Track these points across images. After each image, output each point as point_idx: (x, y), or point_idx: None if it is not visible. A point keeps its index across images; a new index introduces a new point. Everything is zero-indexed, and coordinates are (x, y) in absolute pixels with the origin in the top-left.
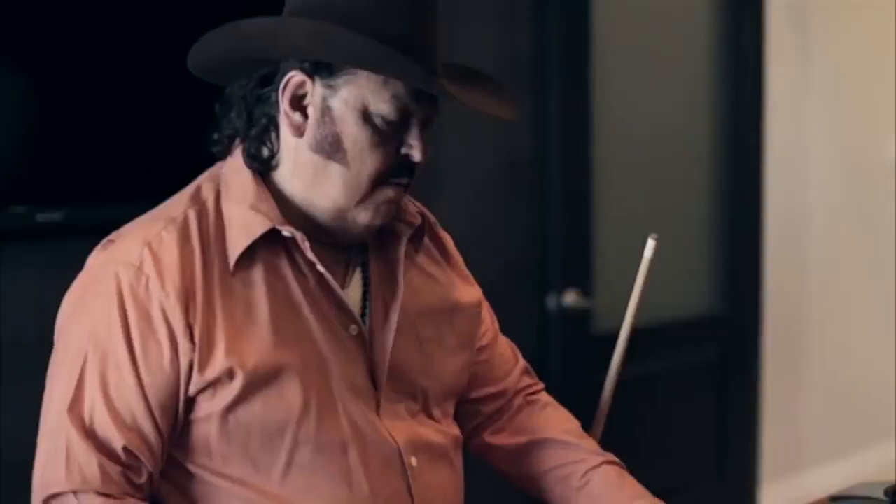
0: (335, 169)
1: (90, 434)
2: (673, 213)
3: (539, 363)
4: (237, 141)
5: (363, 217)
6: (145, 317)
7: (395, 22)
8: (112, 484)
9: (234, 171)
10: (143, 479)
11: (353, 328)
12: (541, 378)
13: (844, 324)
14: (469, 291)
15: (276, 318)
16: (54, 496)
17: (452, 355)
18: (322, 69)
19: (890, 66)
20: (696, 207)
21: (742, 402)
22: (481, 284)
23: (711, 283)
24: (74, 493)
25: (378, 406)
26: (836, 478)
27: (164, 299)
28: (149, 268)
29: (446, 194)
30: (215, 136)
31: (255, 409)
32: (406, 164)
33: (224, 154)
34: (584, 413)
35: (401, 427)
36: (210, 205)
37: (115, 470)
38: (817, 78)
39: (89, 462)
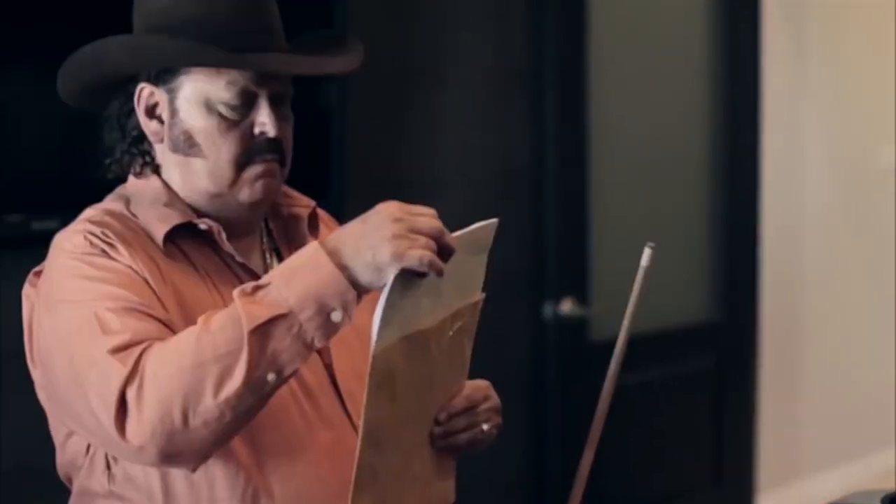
0: (197, 163)
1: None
2: (669, 221)
3: (535, 371)
4: (118, 160)
5: (243, 195)
6: (102, 255)
7: (212, 9)
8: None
9: (140, 183)
10: None
11: None
12: (537, 386)
13: (841, 331)
14: None
15: (218, 301)
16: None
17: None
18: (162, 75)
19: (886, 71)
20: (693, 215)
21: (739, 409)
22: None
23: (708, 290)
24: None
25: (329, 368)
26: (833, 486)
27: (118, 254)
28: (97, 241)
29: (442, 200)
30: (106, 161)
31: None
32: (266, 142)
33: (121, 175)
34: (580, 421)
35: (347, 385)
36: (124, 212)
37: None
38: (813, 84)
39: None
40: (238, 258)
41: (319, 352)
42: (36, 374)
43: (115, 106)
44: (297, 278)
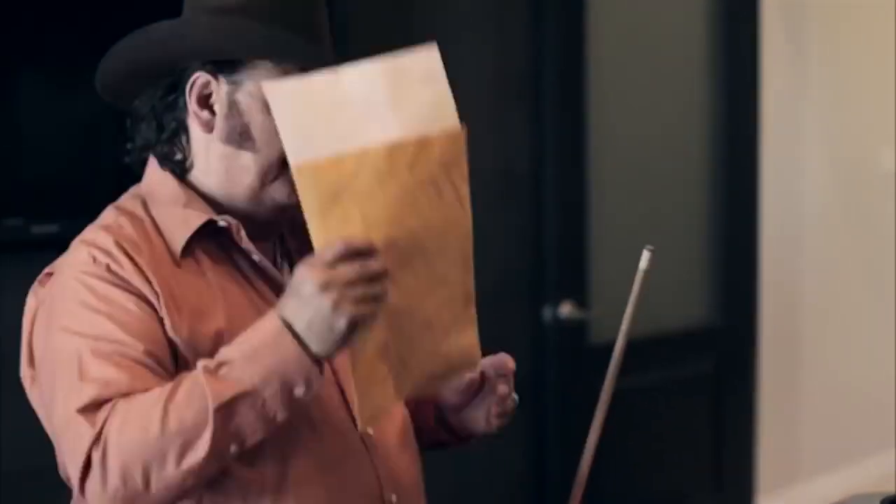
0: (246, 157)
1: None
2: (669, 223)
3: (535, 374)
4: (149, 155)
5: (280, 193)
6: (106, 280)
7: (286, 13)
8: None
9: (155, 182)
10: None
11: None
12: (536, 389)
13: (840, 334)
14: None
15: (229, 306)
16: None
17: None
18: (224, 67)
19: (886, 73)
20: (693, 217)
21: (739, 413)
22: (477, 296)
23: (708, 293)
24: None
25: (335, 374)
26: (833, 489)
27: (127, 273)
28: (101, 256)
29: None
30: (128, 146)
31: None
32: None
33: (137, 165)
34: (579, 424)
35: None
36: (140, 213)
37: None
38: (813, 86)
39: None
40: (254, 256)
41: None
42: (29, 375)
43: (150, 98)
44: (259, 357)
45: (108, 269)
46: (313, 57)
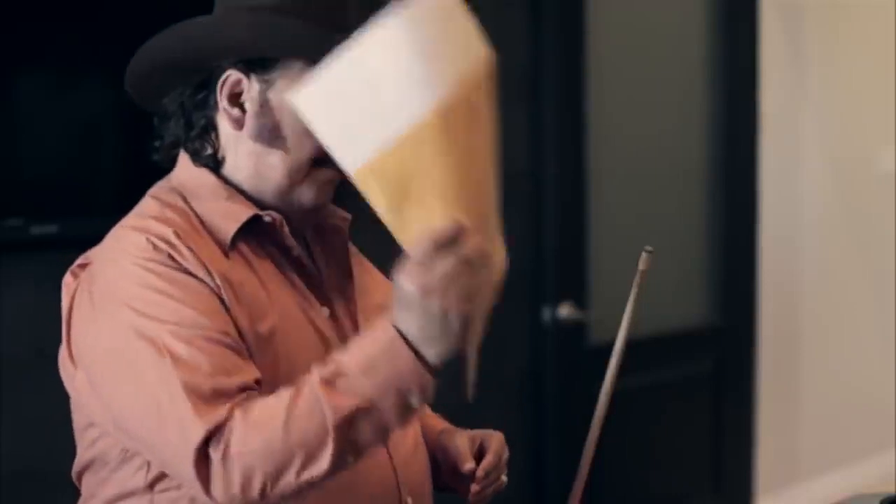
0: (276, 155)
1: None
2: (668, 225)
3: (534, 375)
4: (179, 151)
5: (307, 196)
6: (168, 263)
7: (320, 10)
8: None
9: (190, 177)
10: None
11: (325, 310)
12: (536, 390)
13: (840, 335)
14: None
15: (276, 302)
16: (208, 437)
17: None
18: (256, 66)
19: (885, 75)
20: (692, 219)
21: (738, 413)
22: None
23: (707, 294)
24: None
25: None
26: (832, 489)
27: (188, 263)
28: (162, 244)
29: None
30: (156, 144)
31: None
32: None
33: (165, 162)
34: (578, 425)
35: None
36: (182, 205)
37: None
38: (812, 90)
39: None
40: (295, 251)
41: None
42: (74, 373)
43: (180, 95)
44: (375, 369)
45: (171, 257)
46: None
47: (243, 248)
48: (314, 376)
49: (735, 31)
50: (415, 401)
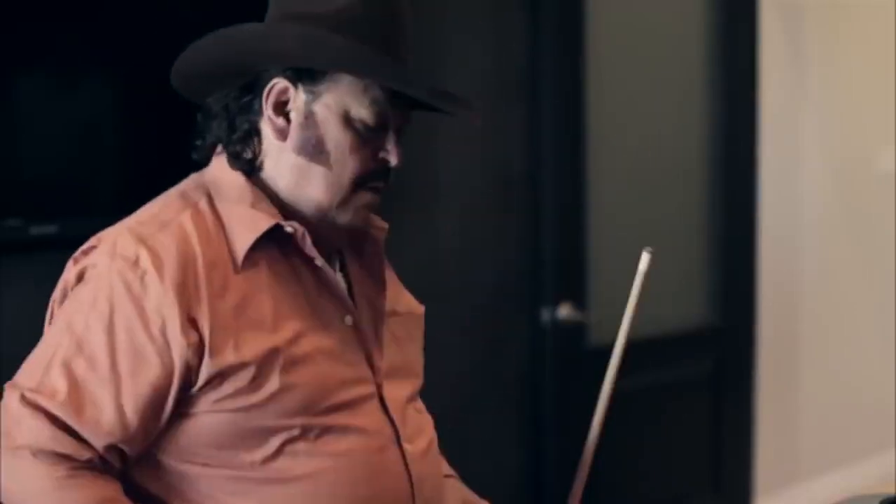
0: (318, 171)
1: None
2: (667, 226)
3: (533, 376)
4: (217, 149)
5: (343, 218)
6: (139, 312)
7: (375, 29)
8: (66, 448)
9: (222, 176)
10: (110, 461)
11: (349, 319)
12: (535, 391)
13: (839, 335)
14: (416, 302)
15: (282, 312)
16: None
17: (418, 354)
18: (304, 76)
19: (884, 76)
20: (691, 220)
21: (737, 414)
22: (475, 297)
23: (706, 295)
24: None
25: (380, 389)
26: (831, 490)
27: (162, 294)
28: (146, 263)
29: (440, 208)
30: (198, 143)
31: (264, 398)
32: (383, 168)
33: (204, 160)
34: (578, 426)
35: (398, 411)
36: (204, 207)
37: (68, 441)
38: (811, 88)
39: (40, 428)
40: (318, 261)
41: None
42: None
43: (224, 97)
44: None
45: (143, 279)
46: (396, 77)
47: (260, 254)
48: None
49: (735, 31)
50: None
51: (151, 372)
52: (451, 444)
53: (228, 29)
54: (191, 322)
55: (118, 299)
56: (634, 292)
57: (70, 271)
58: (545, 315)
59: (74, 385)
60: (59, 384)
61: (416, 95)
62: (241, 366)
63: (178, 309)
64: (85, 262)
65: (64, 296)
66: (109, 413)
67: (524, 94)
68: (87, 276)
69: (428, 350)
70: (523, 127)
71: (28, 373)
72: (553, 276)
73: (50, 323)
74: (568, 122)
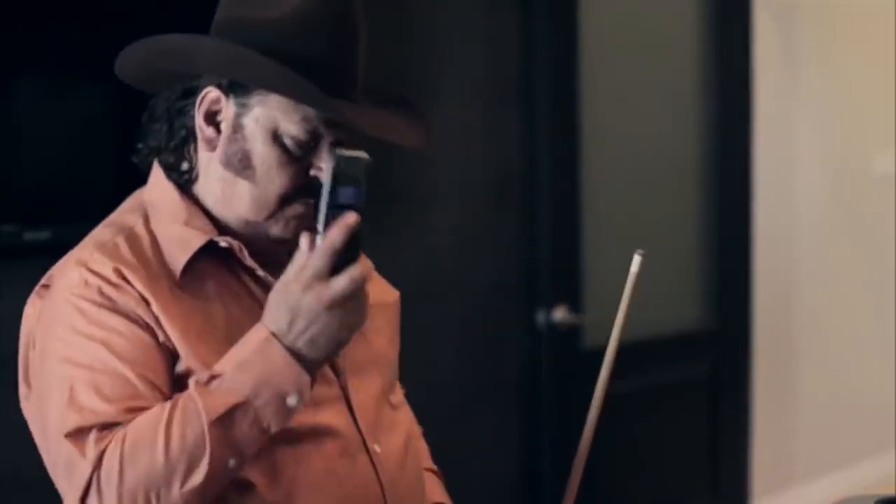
0: (243, 186)
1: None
2: (662, 228)
3: (528, 379)
4: (155, 159)
5: (274, 230)
6: (116, 313)
7: (310, 45)
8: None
9: (158, 193)
10: None
11: None
12: (531, 393)
13: (836, 337)
14: (389, 290)
15: (231, 325)
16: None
17: (389, 344)
18: (237, 87)
19: (879, 77)
20: (686, 222)
21: (734, 416)
22: (471, 300)
23: (702, 297)
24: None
25: (344, 391)
26: (827, 493)
27: (126, 296)
28: (93, 279)
29: (436, 211)
30: (139, 146)
31: None
32: (314, 185)
33: (143, 166)
34: (573, 428)
35: (365, 412)
36: (140, 230)
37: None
38: (806, 90)
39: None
40: (259, 272)
41: (334, 369)
42: (24, 391)
43: (167, 99)
44: (248, 366)
45: (101, 291)
46: (310, 96)
47: (202, 270)
48: (190, 382)
49: (729, 31)
50: (292, 401)
51: (155, 350)
52: (447, 446)
53: (159, 37)
54: (155, 321)
55: (79, 304)
56: (626, 294)
57: (31, 318)
58: (541, 317)
59: (104, 396)
60: (95, 404)
61: (334, 116)
62: (199, 371)
63: (143, 307)
64: (42, 303)
65: (28, 342)
66: (137, 385)
67: (518, 96)
68: (50, 313)
69: (424, 352)
70: (517, 129)
71: (59, 422)
72: (548, 278)
73: (29, 378)
74: (563, 124)
